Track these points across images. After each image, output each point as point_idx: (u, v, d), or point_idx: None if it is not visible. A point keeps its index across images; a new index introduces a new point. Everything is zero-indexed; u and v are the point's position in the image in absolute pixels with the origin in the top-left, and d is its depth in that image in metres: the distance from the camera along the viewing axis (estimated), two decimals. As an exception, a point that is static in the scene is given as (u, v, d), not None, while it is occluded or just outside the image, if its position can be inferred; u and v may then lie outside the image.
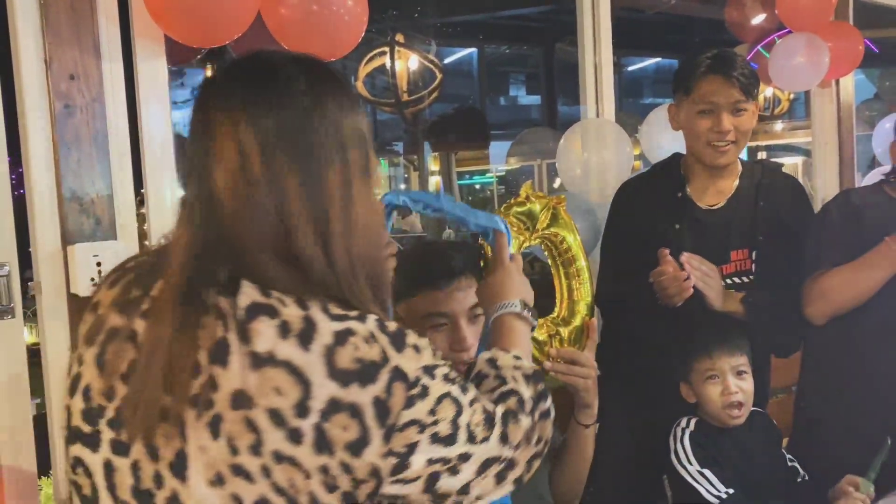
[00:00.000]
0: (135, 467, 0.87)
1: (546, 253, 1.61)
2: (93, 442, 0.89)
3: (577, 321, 1.57)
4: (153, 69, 1.73)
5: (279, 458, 0.82)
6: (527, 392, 0.98)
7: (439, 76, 4.79)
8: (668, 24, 7.00)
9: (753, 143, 12.45)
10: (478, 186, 14.98)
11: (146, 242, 1.72)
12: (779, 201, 2.01)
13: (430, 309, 1.40)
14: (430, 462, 0.87)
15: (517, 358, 1.05)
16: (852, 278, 1.83)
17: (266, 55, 0.94)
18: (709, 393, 1.79)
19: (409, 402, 0.86)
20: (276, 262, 0.86)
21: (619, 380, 1.85)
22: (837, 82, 3.44)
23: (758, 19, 3.31)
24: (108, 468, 0.88)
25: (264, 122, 0.86)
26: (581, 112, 2.59)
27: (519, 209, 1.51)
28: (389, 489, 0.88)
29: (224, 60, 0.88)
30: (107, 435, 0.88)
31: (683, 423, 1.83)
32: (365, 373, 0.84)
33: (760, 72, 3.08)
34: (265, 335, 0.83)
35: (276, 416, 0.82)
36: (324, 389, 0.82)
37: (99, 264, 1.57)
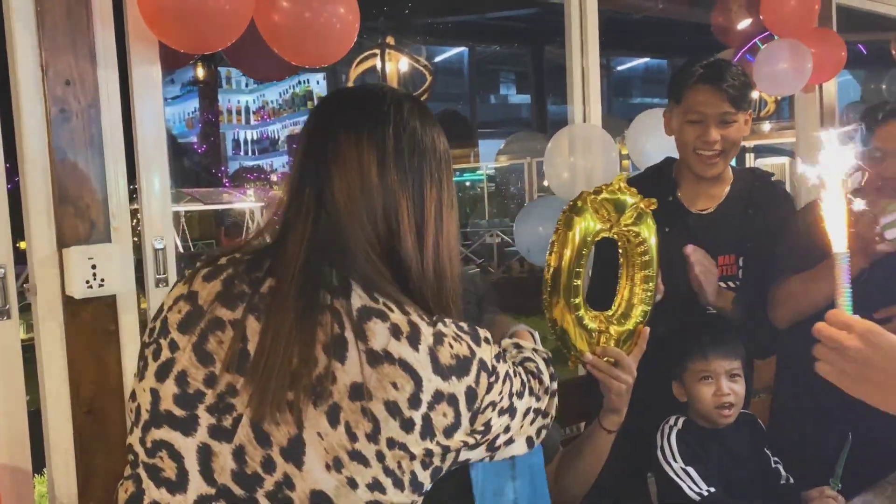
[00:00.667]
0: (239, 452, 0.92)
1: (621, 250, 1.58)
2: (187, 426, 0.93)
3: (630, 324, 1.55)
4: (147, 74, 1.75)
5: (392, 444, 0.92)
6: (543, 367, 1.17)
7: (429, 78, 4.82)
8: (657, 25, 7.06)
9: (741, 143, 12.54)
10: (468, 184, 15.02)
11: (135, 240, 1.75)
12: (766, 209, 2.06)
13: None
14: (496, 430, 1.02)
15: (535, 349, 1.22)
16: (807, 287, 1.90)
17: (388, 87, 1.09)
18: (701, 393, 1.83)
19: (490, 388, 1.00)
20: (381, 266, 0.99)
21: None
22: (821, 87, 3.49)
23: (743, 24, 3.36)
24: (205, 452, 0.92)
25: (384, 142, 1.01)
26: (568, 114, 2.62)
27: (609, 196, 1.49)
28: (463, 455, 1.01)
29: (337, 88, 1.07)
30: (205, 420, 0.93)
31: (672, 421, 1.88)
32: (460, 367, 0.97)
33: (744, 77, 3.14)
34: (379, 335, 0.93)
35: (392, 408, 0.92)
36: (431, 383, 0.94)
37: (94, 267, 1.60)
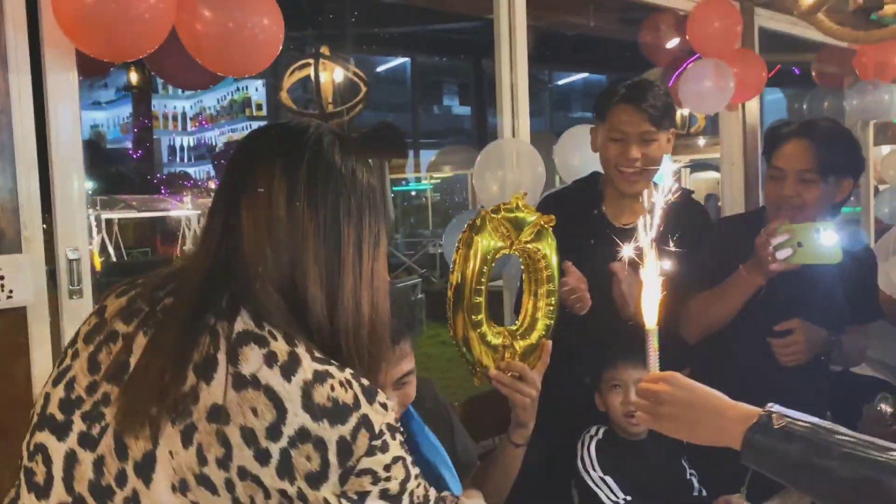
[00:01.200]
0: (98, 463, 0.90)
1: (523, 267, 1.61)
2: (62, 430, 0.93)
3: (533, 338, 1.56)
4: (63, 81, 1.72)
5: (244, 474, 0.87)
6: None
7: (364, 89, 4.82)
8: (594, 42, 7.22)
9: (675, 158, 12.86)
10: (414, 193, 15.04)
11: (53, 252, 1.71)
12: (683, 225, 2.13)
13: None
14: None
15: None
16: (710, 303, 1.98)
17: (306, 122, 1.04)
18: (612, 401, 1.89)
19: (370, 451, 0.91)
20: (277, 298, 0.94)
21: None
22: (744, 105, 3.63)
23: (670, 44, 3.47)
24: (70, 459, 0.91)
25: (295, 174, 0.96)
26: (497, 128, 2.66)
27: (508, 214, 1.51)
28: None
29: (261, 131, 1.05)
30: (78, 426, 0.92)
31: (593, 431, 1.93)
32: (336, 412, 0.90)
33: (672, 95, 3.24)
34: (252, 360, 0.89)
35: (248, 435, 0.87)
36: (297, 418, 0.88)
37: (2, 277, 1.56)
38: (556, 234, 2.06)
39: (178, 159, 14.56)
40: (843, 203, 2.07)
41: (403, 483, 0.94)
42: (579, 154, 2.65)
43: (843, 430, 1.09)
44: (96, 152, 12.34)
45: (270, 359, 0.89)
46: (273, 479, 0.87)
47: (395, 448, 0.94)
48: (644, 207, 2.08)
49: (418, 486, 0.97)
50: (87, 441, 0.91)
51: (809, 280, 1.93)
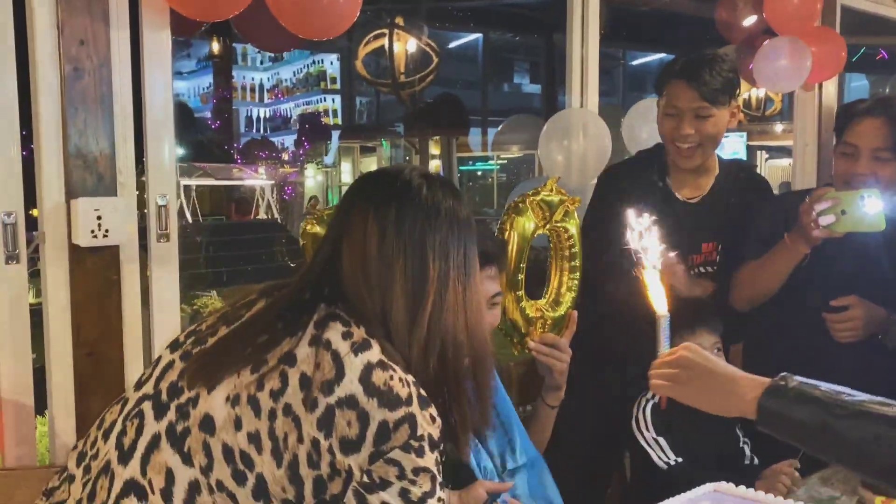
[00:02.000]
0: (184, 370, 1.09)
1: (551, 244, 1.81)
2: (175, 348, 1.14)
3: (561, 310, 1.78)
4: (158, 38, 1.83)
5: (287, 411, 0.99)
6: None
7: (435, 60, 4.87)
8: (670, 19, 7.09)
9: (753, 144, 12.53)
10: (479, 173, 15.04)
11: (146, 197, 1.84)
12: (747, 199, 2.14)
13: None
14: (383, 499, 0.99)
15: None
16: (758, 272, 1.99)
17: (400, 167, 1.18)
18: None
19: (406, 447, 0.99)
20: (369, 313, 1.07)
21: (592, 355, 1.96)
22: (821, 85, 3.54)
23: (746, 21, 3.41)
24: (169, 365, 1.12)
25: (385, 218, 1.09)
26: (566, 98, 2.70)
27: (545, 197, 1.73)
28: (347, 500, 1.01)
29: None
30: (185, 346, 1.13)
31: (649, 394, 1.97)
32: (387, 398, 0.99)
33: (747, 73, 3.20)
34: (332, 331, 1.03)
35: (305, 381, 0.99)
36: (351, 386, 0.98)
37: (99, 218, 1.69)
38: (620, 207, 2.10)
39: (254, 130, 14.96)
40: None
41: (425, 496, 1.00)
42: (647, 128, 2.66)
43: (856, 392, 1.09)
44: (187, 117, 12.74)
45: (347, 336, 1.03)
46: (311, 426, 0.98)
47: (430, 461, 1.01)
48: (707, 181, 2.11)
49: (436, 498, 1.02)
50: (186, 355, 1.11)
51: (865, 254, 1.92)
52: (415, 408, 1.00)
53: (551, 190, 1.74)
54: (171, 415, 1.05)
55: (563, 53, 2.80)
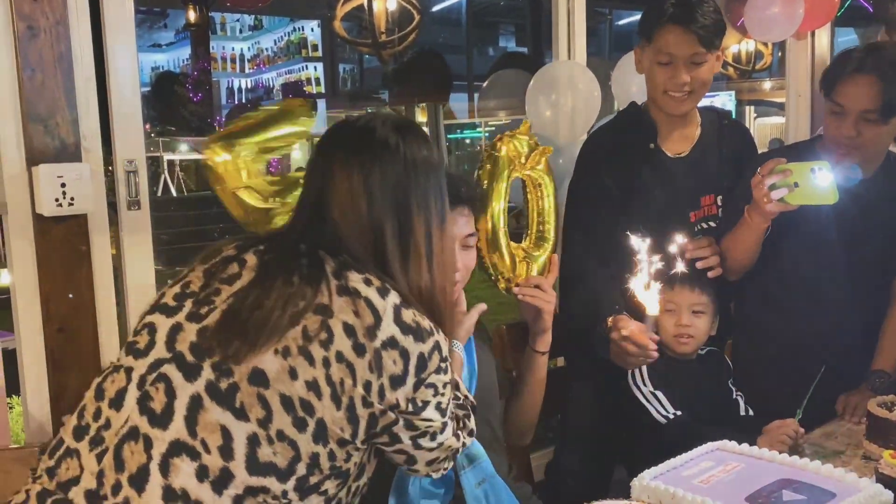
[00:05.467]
0: (203, 331, 1.08)
1: (528, 189, 1.89)
2: (172, 311, 1.12)
3: (543, 254, 1.86)
4: (119, -5, 1.73)
5: (340, 358, 1.06)
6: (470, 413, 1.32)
7: (417, 17, 4.74)
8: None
9: (742, 99, 12.45)
10: (468, 141, 14.89)
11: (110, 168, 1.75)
12: (736, 148, 2.07)
13: None
14: (427, 420, 1.14)
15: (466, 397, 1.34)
16: (730, 244, 1.94)
17: (379, 119, 1.23)
18: (665, 322, 1.88)
19: (438, 370, 1.14)
20: (370, 262, 1.15)
21: (586, 318, 1.92)
22: (813, 34, 3.46)
23: (736, -32, 3.31)
24: (175, 329, 1.10)
25: (370, 177, 1.16)
26: (553, 50, 2.60)
27: (520, 140, 1.81)
28: (393, 429, 1.12)
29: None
30: (187, 308, 1.12)
31: None
32: (419, 332, 1.11)
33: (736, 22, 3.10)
34: (353, 279, 1.10)
35: (349, 329, 1.07)
36: (388, 328, 1.09)
37: (63, 185, 1.60)
38: (610, 173, 2.03)
39: (236, 101, 14.71)
40: None
41: (450, 400, 1.19)
42: (639, 80, 2.56)
43: None
44: (168, 86, 12.47)
45: (368, 282, 1.10)
46: (364, 370, 1.07)
47: (450, 373, 1.18)
48: (693, 132, 2.04)
49: (455, 399, 1.22)
50: (194, 317, 1.10)
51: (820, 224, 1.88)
52: (437, 335, 1.14)
53: (525, 133, 1.83)
54: (206, 374, 1.06)
55: (548, 14, 2.70)
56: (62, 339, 1.67)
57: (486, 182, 1.86)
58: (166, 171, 12.26)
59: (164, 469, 1.02)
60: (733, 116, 2.40)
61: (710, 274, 1.92)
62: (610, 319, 1.82)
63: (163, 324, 1.11)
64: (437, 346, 1.13)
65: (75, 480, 1.06)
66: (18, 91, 1.59)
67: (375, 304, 1.09)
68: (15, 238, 1.63)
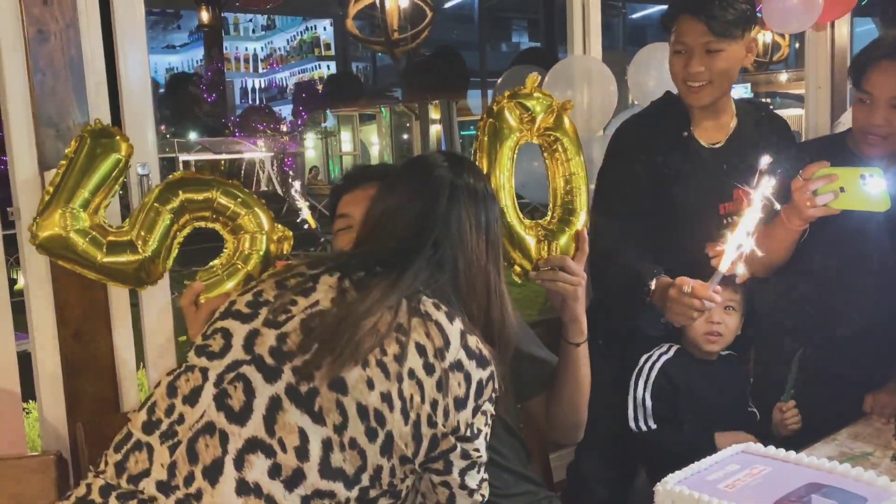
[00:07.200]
0: (282, 336, 1.11)
1: (545, 154, 1.56)
2: (247, 318, 1.15)
3: (570, 230, 1.53)
4: (129, -2, 1.72)
5: (412, 375, 1.10)
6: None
7: (430, 14, 4.71)
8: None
9: (760, 92, 12.34)
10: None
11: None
12: (773, 141, 2.03)
13: (340, 209, 1.55)
14: (477, 451, 1.17)
15: None
16: (762, 241, 1.87)
17: (431, 157, 1.32)
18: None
19: (490, 399, 1.17)
20: (438, 287, 1.19)
21: (611, 313, 1.91)
22: (833, 25, 3.40)
23: (754, -41, 3.25)
24: (253, 334, 1.13)
25: (426, 204, 1.23)
26: (567, 45, 2.57)
27: (522, 100, 1.47)
28: (450, 454, 1.15)
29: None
30: (263, 315, 1.14)
31: (664, 348, 1.89)
32: (481, 359, 1.16)
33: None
34: (425, 303, 1.16)
35: (420, 349, 1.12)
36: (456, 352, 1.14)
37: (76, 189, 1.58)
38: (642, 162, 1.99)
39: (249, 101, 14.77)
40: None
41: (488, 433, 1.21)
42: (655, 74, 2.54)
43: None
44: (182, 86, 12.52)
45: (437, 307, 1.16)
46: (432, 388, 1.11)
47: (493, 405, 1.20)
48: (728, 122, 2.00)
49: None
50: (272, 323, 1.13)
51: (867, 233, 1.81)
52: (493, 365, 1.17)
53: (531, 91, 1.47)
54: (287, 377, 1.09)
55: (562, 8, 2.66)
56: (77, 344, 1.66)
57: (485, 157, 1.48)
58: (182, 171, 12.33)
59: (239, 463, 1.05)
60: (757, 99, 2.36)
61: (738, 279, 1.89)
62: (653, 283, 1.77)
63: (238, 329, 1.14)
64: (492, 376, 1.17)
65: (146, 473, 1.07)
66: (29, 95, 1.58)
67: (445, 328, 1.14)
68: (28, 244, 1.61)
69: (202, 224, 1.43)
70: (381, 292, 1.15)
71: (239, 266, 1.43)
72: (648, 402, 1.83)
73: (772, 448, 1.43)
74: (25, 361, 1.70)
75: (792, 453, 1.41)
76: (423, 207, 1.24)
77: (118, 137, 1.35)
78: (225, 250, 1.46)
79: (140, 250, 1.35)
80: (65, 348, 1.66)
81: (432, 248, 1.21)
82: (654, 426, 1.81)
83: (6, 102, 1.59)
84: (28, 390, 1.75)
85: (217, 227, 1.43)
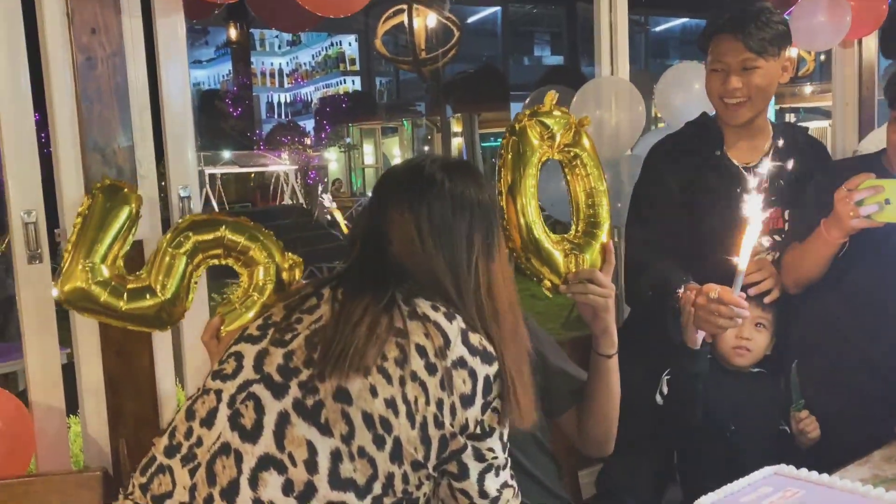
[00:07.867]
0: (288, 354, 1.15)
1: (566, 170, 1.60)
2: (256, 340, 1.19)
3: (597, 242, 1.56)
4: (171, 24, 1.77)
5: (414, 377, 1.11)
6: None
7: (457, 34, 4.75)
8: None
9: (784, 106, 12.26)
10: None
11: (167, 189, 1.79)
12: (808, 164, 2.03)
13: None
14: (492, 451, 1.17)
15: None
16: (798, 257, 1.87)
17: (428, 161, 1.29)
18: (725, 333, 1.85)
19: (502, 396, 1.17)
20: (431, 291, 1.20)
21: (649, 327, 1.92)
22: (860, 42, 3.39)
23: (781, -23, 3.26)
24: (262, 353, 1.17)
25: (419, 215, 1.22)
26: (595, 71, 2.59)
27: (542, 118, 1.51)
28: (461, 453, 1.15)
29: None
30: (270, 336, 1.19)
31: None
32: (485, 355, 1.17)
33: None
34: (422, 305, 1.17)
35: (420, 350, 1.13)
36: (458, 349, 1.14)
37: (120, 212, 1.63)
38: (676, 181, 2.02)
39: (275, 115, 14.94)
40: None
41: (504, 433, 1.20)
42: (682, 93, 2.56)
43: None
44: (211, 104, 12.67)
45: (435, 308, 1.17)
46: (436, 388, 1.11)
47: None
48: (763, 143, 2.02)
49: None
50: (279, 342, 1.17)
51: None
52: (499, 362, 1.17)
53: (549, 110, 1.50)
54: (293, 392, 1.11)
55: (585, 22, 2.69)
56: (119, 362, 1.71)
57: (509, 174, 1.50)
58: (208, 185, 12.50)
59: (254, 483, 1.08)
60: (796, 123, 2.37)
61: (766, 299, 1.89)
62: (681, 291, 1.78)
63: (248, 350, 1.18)
64: (500, 372, 1.17)
65: (168, 494, 1.12)
66: (77, 121, 1.64)
67: (444, 327, 1.15)
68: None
69: (216, 262, 1.49)
70: (372, 294, 1.17)
71: (255, 297, 1.49)
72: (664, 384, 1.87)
73: (804, 470, 1.44)
74: (66, 373, 1.75)
75: (825, 476, 1.41)
76: (410, 215, 1.23)
77: (127, 190, 1.43)
78: (241, 283, 1.52)
79: (159, 293, 1.42)
80: (108, 365, 1.70)
81: (422, 252, 1.21)
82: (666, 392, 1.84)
83: (55, 127, 1.64)
84: (69, 405, 1.79)
85: (230, 262, 1.49)
